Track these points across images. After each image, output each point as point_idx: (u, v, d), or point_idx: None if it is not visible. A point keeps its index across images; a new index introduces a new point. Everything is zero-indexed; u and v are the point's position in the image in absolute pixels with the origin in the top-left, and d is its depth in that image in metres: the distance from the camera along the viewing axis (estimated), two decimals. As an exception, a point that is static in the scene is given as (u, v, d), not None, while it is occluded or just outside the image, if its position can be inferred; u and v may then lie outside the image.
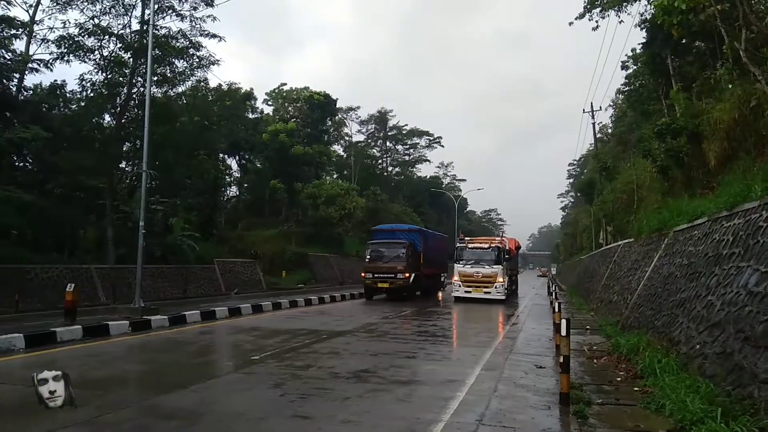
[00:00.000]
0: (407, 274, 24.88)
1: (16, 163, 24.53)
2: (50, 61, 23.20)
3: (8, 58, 22.44)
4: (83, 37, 22.88)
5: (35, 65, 23.32)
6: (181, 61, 25.86)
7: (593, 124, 38.07)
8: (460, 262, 25.62)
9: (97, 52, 23.38)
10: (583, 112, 38.72)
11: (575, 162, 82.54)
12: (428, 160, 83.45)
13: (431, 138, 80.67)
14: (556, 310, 12.24)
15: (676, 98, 18.19)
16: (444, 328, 16.37)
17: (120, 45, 23.76)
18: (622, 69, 31.40)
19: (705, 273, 8.81)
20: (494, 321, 18.88)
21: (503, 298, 24.64)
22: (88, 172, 24.18)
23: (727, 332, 6.96)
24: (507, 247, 27.11)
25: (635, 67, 29.79)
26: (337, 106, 60.02)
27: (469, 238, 28.59)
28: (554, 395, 7.32)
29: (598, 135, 42.60)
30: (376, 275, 25.33)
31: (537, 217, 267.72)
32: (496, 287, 24.40)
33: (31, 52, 23.84)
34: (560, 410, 6.72)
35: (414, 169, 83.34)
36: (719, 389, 6.30)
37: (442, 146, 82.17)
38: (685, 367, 7.74)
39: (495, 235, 77.60)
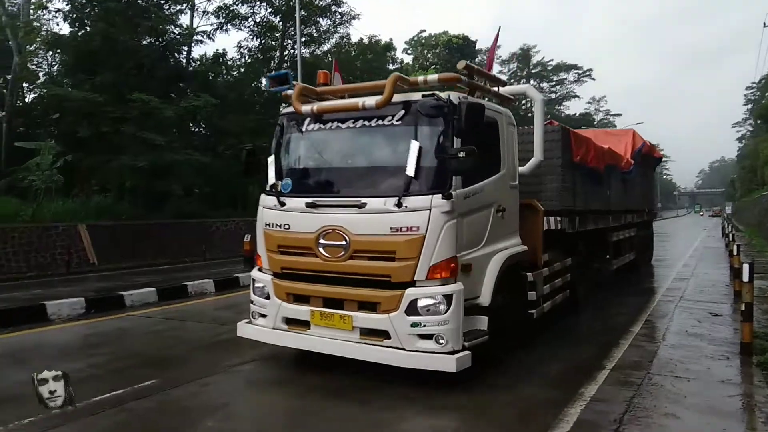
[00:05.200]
0: None
1: (192, 129, 27.47)
2: (211, 32, 25.41)
3: (177, 32, 24.83)
4: (237, 5, 24.62)
5: (199, 37, 25.56)
6: (325, 19, 26.79)
7: (778, 38, 32.70)
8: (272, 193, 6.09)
9: (250, 19, 25.08)
10: (764, 26, 32.91)
11: (754, 85, 72.28)
12: (577, 96, 77.73)
13: (580, 72, 74.75)
14: (734, 253, 11.22)
15: None
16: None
17: (270, 10, 25.21)
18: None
19: None
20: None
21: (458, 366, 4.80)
22: (251, 133, 26.44)
23: None
24: (561, 131, 7.96)
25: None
26: (477, 48, 58.13)
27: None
28: (733, 345, 6.80)
29: (785, 51, 36.53)
30: None
31: (707, 152, 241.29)
32: (426, 311, 4.90)
33: (194, 26, 26.19)
34: (741, 360, 6.23)
35: (561, 107, 78.37)
36: None
37: (593, 79, 75.61)
38: None
39: None
